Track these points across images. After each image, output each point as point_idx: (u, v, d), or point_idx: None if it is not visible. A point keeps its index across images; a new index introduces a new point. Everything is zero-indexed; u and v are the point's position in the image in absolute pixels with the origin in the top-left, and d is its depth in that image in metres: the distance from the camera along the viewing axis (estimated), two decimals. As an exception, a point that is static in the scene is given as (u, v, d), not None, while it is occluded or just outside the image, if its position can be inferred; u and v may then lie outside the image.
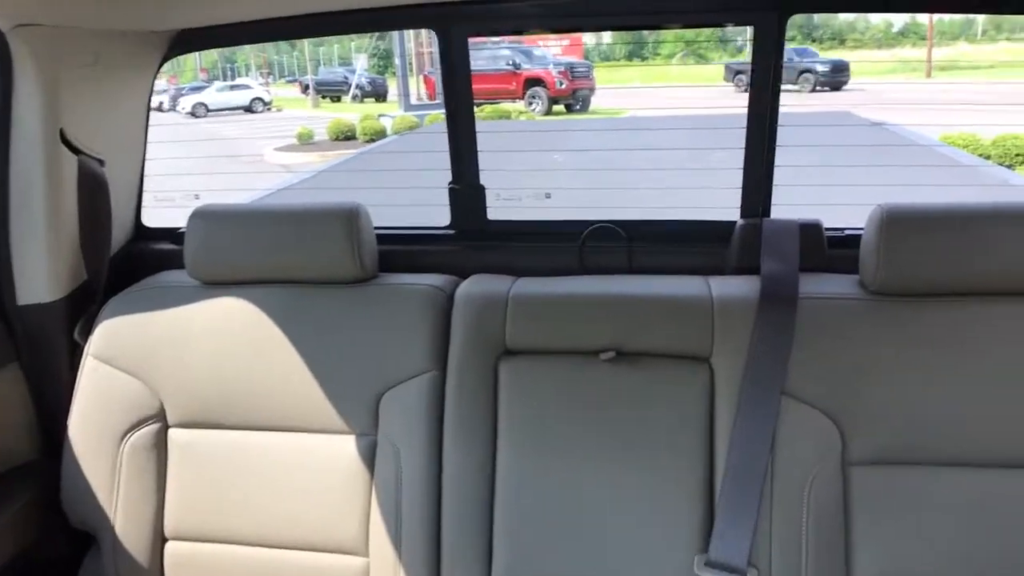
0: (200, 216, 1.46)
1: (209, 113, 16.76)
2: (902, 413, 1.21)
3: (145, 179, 1.72)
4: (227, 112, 16.88)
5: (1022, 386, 1.19)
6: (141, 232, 1.75)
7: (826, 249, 1.44)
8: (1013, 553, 1.18)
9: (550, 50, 14.54)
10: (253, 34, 1.63)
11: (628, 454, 1.28)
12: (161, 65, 1.63)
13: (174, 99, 17.39)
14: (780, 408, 1.23)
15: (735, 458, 1.23)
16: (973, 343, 1.21)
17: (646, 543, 1.26)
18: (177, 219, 1.60)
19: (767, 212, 1.53)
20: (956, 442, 1.20)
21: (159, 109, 17.50)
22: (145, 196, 1.74)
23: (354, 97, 18.44)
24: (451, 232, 1.65)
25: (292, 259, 1.41)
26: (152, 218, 1.77)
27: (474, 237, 1.63)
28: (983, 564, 1.18)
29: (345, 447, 1.37)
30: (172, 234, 1.73)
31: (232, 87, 18.35)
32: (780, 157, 1.52)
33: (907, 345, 1.23)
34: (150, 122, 1.70)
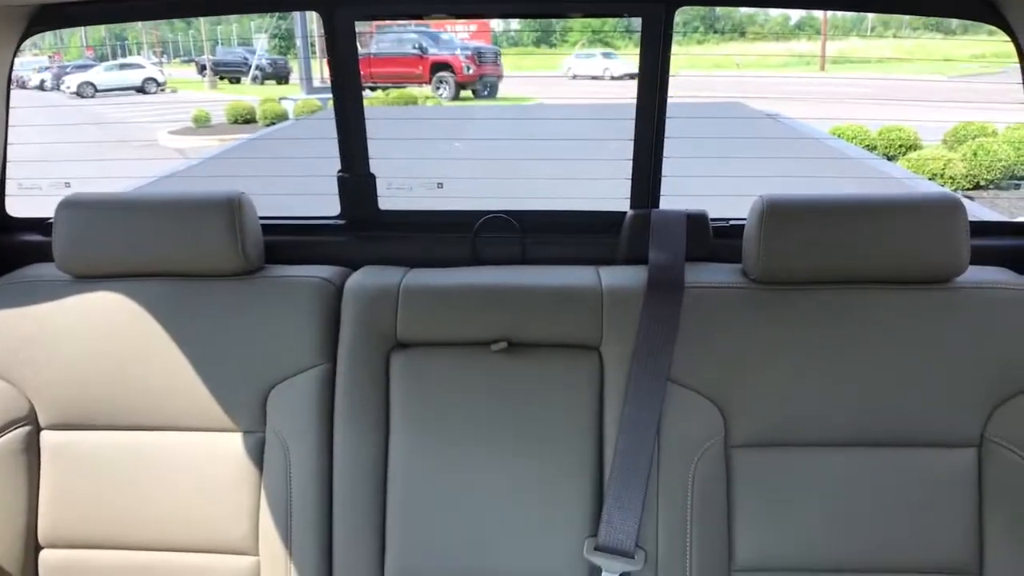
0: (69, 205, 1.37)
1: (98, 93, 15.80)
2: (779, 396, 1.27)
3: (9, 165, 1.60)
4: (117, 92, 15.95)
5: (889, 369, 1.26)
6: (5, 223, 1.63)
7: (711, 239, 1.49)
8: (879, 527, 1.25)
9: (457, 35, 14.44)
10: (120, 13, 1.53)
11: (520, 443, 1.29)
12: (20, 42, 1.51)
13: (57, 77, 16.31)
14: (666, 394, 1.27)
15: (623, 444, 1.26)
16: (846, 329, 1.28)
17: (538, 529, 1.28)
18: (47, 209, 1.50)
19: (656, 203, 1.56)
20: (828, 423, 1.27)
21: (40, 88, 16.40)
22: (9, 184, 1.62)
23: (254, 79, 17.78)
24: (341, 222, 1.61)
25: (170, 251, 1.35)
26: (19, 208, 1.65)
27: (364, 227, 1.60)
28: (852, 540, 1.25)
29: (231, 445, 1.32)
30: (40, 225, 1.62)
31: (122, 66, 17.34)
32: (670, 148, 1.56)
33: (785, 331, 1.28)
34: (20, 104, 1.58)
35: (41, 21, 1.51)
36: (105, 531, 1.33)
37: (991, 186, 7.07)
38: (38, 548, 1.35)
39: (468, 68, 13.65)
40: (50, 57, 17.27)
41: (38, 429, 1.36)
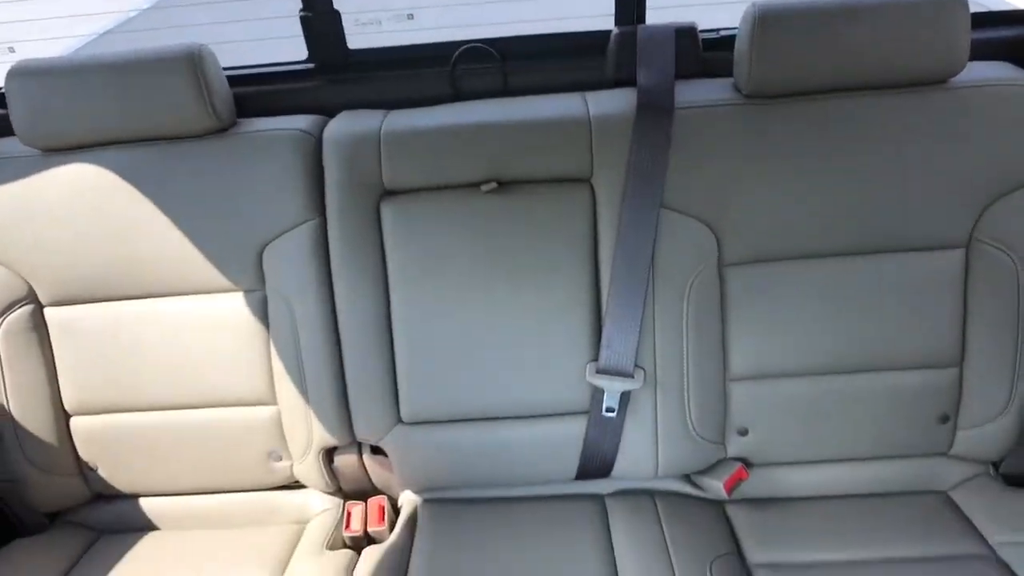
0: (22, 75, 1.29)
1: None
2: (772, 211, 1.27)
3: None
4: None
5: (882, 174, 1.25)
6: None
7: (701, 53, 1.42)
8: (868, 329, 1.31)
9: None
10: None
11: (517, 280, 1.31)
12: None
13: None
14: (659, 221, 1.27)
15: (619, 272, 1.28)
16: (839, 137, 1.26)
17: (541, 360, 1.33)
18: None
19: (642, 18, 1.47)
20: (820, 234, 1.28)
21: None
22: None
23: None
24: (310, 67, 1.52)
25: (136, 115, 1.29)
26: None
27: (335, 70, 1.51)
28: (841, 343, 1.31)
29: (234, 305, 1.34)
30: None
31: None
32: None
33: (777, 145, 1.26)
34: None
35: None
36: (126, 396, 1.39)
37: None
38: (67, 416, 1.42)
39: None
40: None
41: (40, 307, 1.37)
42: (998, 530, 1.28)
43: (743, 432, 1.37)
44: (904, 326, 1.30)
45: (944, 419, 1.35)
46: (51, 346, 1.39)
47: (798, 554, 1.27)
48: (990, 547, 1.26)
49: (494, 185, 1.29)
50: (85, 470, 1.44)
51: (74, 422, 1.42)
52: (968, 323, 1.31)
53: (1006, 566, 1.21)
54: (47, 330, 1.38)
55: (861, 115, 1.26)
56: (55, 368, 1.39)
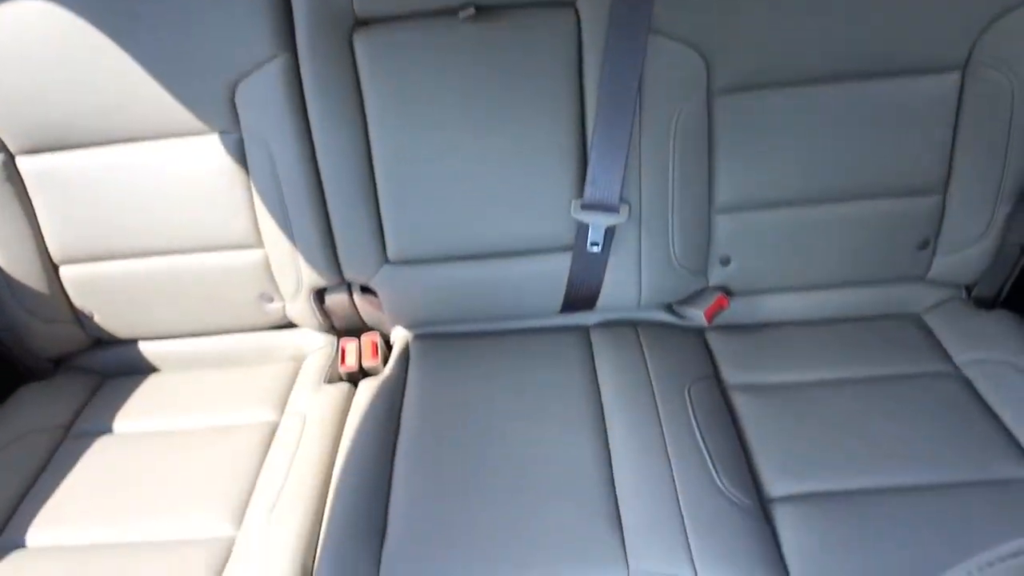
0: None
1: None
2: (764, 36, 1.22)
3: None
4: None
5: None
6: None
7: None
8: (855, 157, 1.30)
9: None
10: None
11: (499, 112, 1.27)
12: None
13: None
14: (647, 46, 1.22)
15: (604, 104, 1.25)
16: None
17: (526, 196, 1.33)
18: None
19: None
20: (813, 59, 1.24)
21: None
22: None
23: None
24: None
25: None
26: None
27: None
28: (827, 172, 1.31)
29: (210, 147, 1.31)
30: None
31: None
32: None
33: None
34: None
35: None
36: (111, 243, 1.39)
37: None
38: (55, 266, 1.43)
39: None
40: None
41: (11, 156, 1.34)
42: (963, 350, 1.34)
43: (725, 261, 1.39)
44: (892, 153, 1.29)
45: (924, 244, 1.37)
46: (28, 197, 1.37)
47: (772, 375, 1.34)
48: (955, 365, 1.32)
49: (472, 10, 1.21)
50: (81, 317, 1.47)
51: (63, 271, 1.43)
52: (956, 150, 1.30)
53: (968, 382, 1.28)
54: (22, 180, 1.35)
55: None
56: (36, 219, 1.38)
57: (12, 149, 1.33)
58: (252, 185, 1.33)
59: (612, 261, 1.37)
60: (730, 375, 1.35)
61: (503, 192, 1.32)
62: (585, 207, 1.31)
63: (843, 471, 1.15)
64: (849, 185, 1.32)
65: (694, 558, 1.04)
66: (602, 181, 1.29)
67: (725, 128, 1.29)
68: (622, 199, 1.31)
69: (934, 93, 1.26)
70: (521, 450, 1.21)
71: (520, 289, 1.41)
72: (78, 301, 1.45)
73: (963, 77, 1.25)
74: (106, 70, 1.25)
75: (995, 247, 1.36)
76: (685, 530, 1.07)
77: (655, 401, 1.28)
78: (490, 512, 1.12)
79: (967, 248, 1.36)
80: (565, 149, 1.30)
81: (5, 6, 1.24)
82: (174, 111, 1.28)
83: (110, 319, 1.47)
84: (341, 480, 1.20)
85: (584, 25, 1.23)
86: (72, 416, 1.42)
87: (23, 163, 1.34)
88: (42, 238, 1.39)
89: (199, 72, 1.25)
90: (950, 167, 1.31)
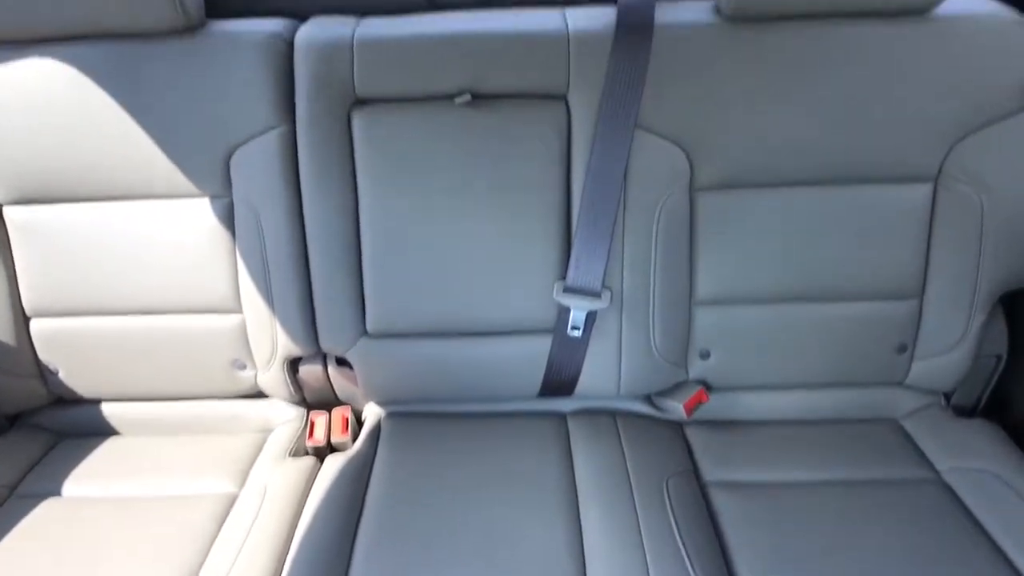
0: None
1: None
2: (746, 137, 1.27)
3: None
4: None
5: (856, 104, 1.25)
6: None
7: None
8: (832, 260, 1.32)
9: None
10: None
11: (488, 195, 1.30)
12: None
13: None
14: (633, 141, 1.26)
15: (590, 191, 1.28)
16: (816, 65, 1.25)
17: (509, 276, 1.33)
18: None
19: None
20: (793, 163, 1.28)
21: None
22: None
23: None
24: None
25: (98, 6, 1.24)
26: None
27: None
28: (806, 273, 1.33)
29: (200, 210, 1.32)
30: None
31: None
32: None
33: (754, 70, 1.25)
34: None
35: None
36: (87, 299, 1.37)
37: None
38: (27, 318, 1.40)
39: None
40: None
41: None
42: (944, 458, 1.32)
43: (705, 355, 1.39)
44: (869, 257, 1.32)
45: (902, 349, 1.38)
46: (10, 247, 1.36)
47: (751, 473, 1.31)
48: (936, 472, 1.30)
49: (468, 97, 1.26)
50: (45, 373, 1.43)
51: (34, 324, 1.40)
52: (931, 257, 1.33)
53: (949, 489, 1.26)
54: (6, 230, 1.35)
55: (838, 42, 1.25)
56: (14, 269, 1.37)
57: (1, 199, 1.33)
58: (237, 249, 1.33)
59: (592, 347, 1.36)
60: (709, 471, 1.32)
61: (487, 271, 1.33)
62: (568, 290, 1.32)
63: (823, 575, 1.10)
64: (827, 286, 1.34)
65: None
66: (585, 266, 1.31)
67: (706, 223, 1.32)
68: (604, 285, 1.32)
69: (908, 202, 1.30)
70: (489, 539, 1.16)
71: (499, 370, 1.39)
72: (44, 355, 1.41)
73: (935, 189, 1.29)
74: (105, 127, 1.28)
75: (972, 355, 1.37)
76: None
77: (632, 494, 1.24)
78: None
79: (944, 355, 1.37)
80: (550, 233, 1.32)
81: (6, 53, 1.27)
82: (169, 172, 1.30)
83: (75, 376, 1.43)
84: (297, 557, 1.14)
85: (574, 117, 1.28)
86: (20, 476, 1.35)
87: (10, 212, 1.34)
88: (17, 289, 1.37)
89: (198, 136, 1.28)
90: (925, 274, 1.33)
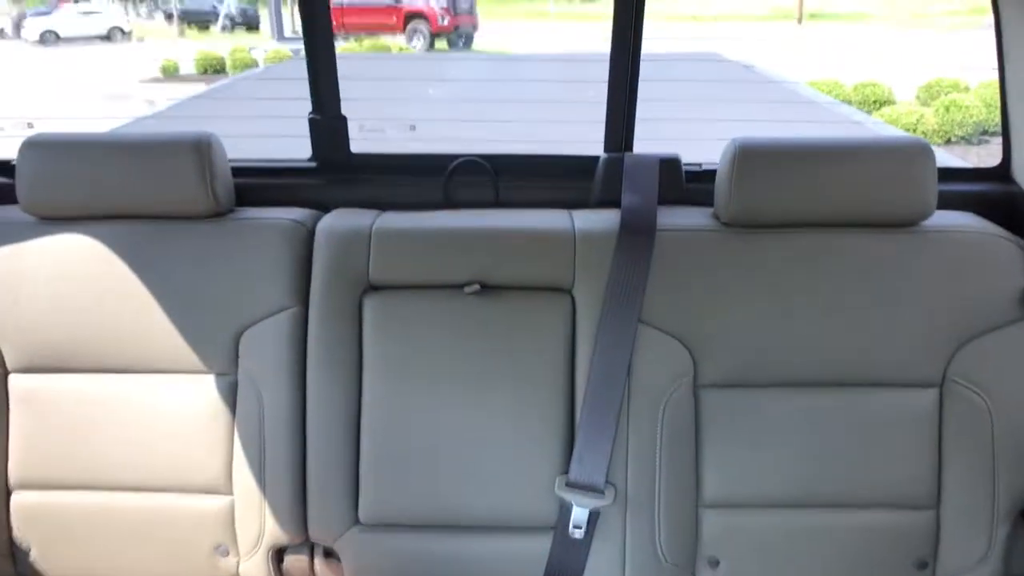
0: (33, 146, 1.33)
1: (60, 41, 15.25)
2: (747, 337, 1.29)
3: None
4: (82, 41, 15.40)
5: (856, 311, 1.28)
6: None
7: (684, 183, 1.49)
8: (842, 465, 1.29)
9: (432, -16, 14.16)
10: None
11: (492, 385, 1.30)
12: None
13: (17, 24, 15.72)
14: (637, 336, 1.28)
15: (594, 385, 1.28)
16: (814, 271, 1.29)
17: (511, 469, 1.30)
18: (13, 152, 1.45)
19: (629, 147, 1.55)
20: (795, 364, 1.29)
21: (-1, 35, 15.80)
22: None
23: (223, 28, 17.34)
24: (312, 165, 1.58)
25: (137, 192, 1.32)
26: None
27: (337, 170, 1.57)
28: (814, 477, 1.29)
29: (203, 387, 1.32)
30: (5, 167, 1.57)
31: (86, 13, 16.70)
32: (647, 93, 1.54)
33: (754, 274, 1.30)
34: None
35: None
36: (77, 473, 1.33)
37: (962, 141, 7.13)
38: (8, 491, 1.35)
39: (443, 19, 13.39)
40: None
41: (6, 372, 1.34)
42: None
43: (714, 563, 1.31)
44: (877, 463, 1.29)
45: (922, 565, 1.30)
46: (7, 415, 1.34)
47: None
48: None
49: (477, 287, 1.30)
50: (16, 552, 1.36)
51: (15, 498, 1.35)
52: (943, 464, 1.29)
53: None
54: (7, 397, 1.34)
55: (835, 250, 1.30)
56: (6, 439, 1.34)
57: (9, 365, 1.34)
58: (235, 428, 1.31)
59: (595, 549, 1.29)
60: None
61: (488, 461, 1.30)
62: (570, 485, 1.27)
63: None
64: (837, 492, 1.29)
65: None
66: (589, 460, 1.27)
67: (712, 421, 1.30)
68: (608, 482, 1.28)
69: (915, 407, 1.29)
70: None
71: (495, 571, 1.31)
72: (19, 533, 1.35)
73: (941, 394, 1.29)
74: (123, 303, 1.31)
75: (1000, 573, 1.28)
76: None
77: None
78: None
79: (969, 573, 1.29)
80: (553, 425, 1.30)
81: (47, 228, 1.34)
82: (178, 348, 1.31)
83: (47, 557, 1.35)
84: None
85: (579, 310, 1.31)
86: None
87: (14, 380, 1.34)
88: (5, 461, 1.34)
89: (212, 316, 1.31)
90: (939, 482, 1.29)
